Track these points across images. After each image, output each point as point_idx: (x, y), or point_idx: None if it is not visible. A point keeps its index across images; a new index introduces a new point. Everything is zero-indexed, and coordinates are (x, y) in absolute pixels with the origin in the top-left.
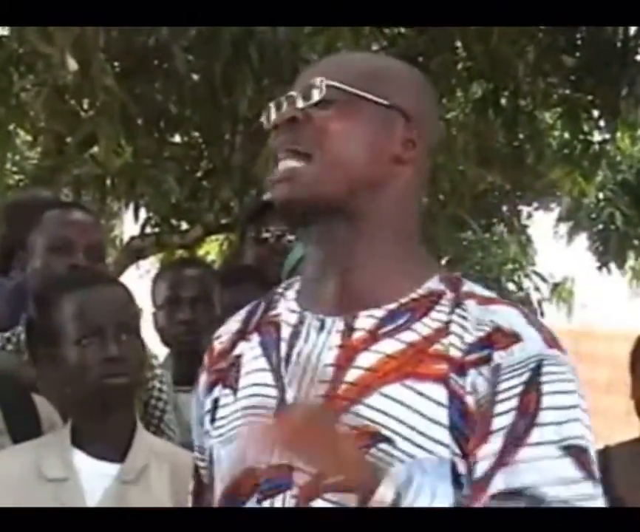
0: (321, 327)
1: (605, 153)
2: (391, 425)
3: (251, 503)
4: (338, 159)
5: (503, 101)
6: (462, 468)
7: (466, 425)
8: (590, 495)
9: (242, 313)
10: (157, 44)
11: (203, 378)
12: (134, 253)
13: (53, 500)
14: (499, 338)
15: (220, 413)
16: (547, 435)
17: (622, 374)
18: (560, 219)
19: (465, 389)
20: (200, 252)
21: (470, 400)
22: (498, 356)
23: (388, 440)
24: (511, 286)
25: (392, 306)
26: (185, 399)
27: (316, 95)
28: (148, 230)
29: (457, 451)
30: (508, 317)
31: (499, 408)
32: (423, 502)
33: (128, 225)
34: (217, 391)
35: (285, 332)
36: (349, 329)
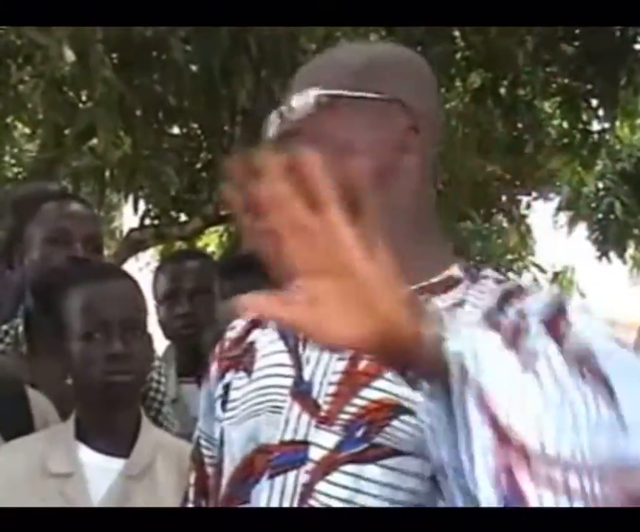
0: None
1: (604, 142)
2: (412, 397)
3: (263, 480)
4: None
5: (502, 91)
6: None
7: None
8: None
9: None
10: (155, 35)
11: (214, 367)
12: (134, 245)
13: (58, 495)
14: (511, 295)
15: (233, 395)
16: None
17: None
18: (560, 209)
19: None
20: (200, 244)
21: None
22: (516, 304)
23: (409, 412)
24: (511, 275)
25: (413, 287)
26: (189, 390)
27: (314, 105)
28: (147, 222)
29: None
30: (518, 283)
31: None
32: None
33: (128, 217)
34: (229, 376)
35: None
36: None
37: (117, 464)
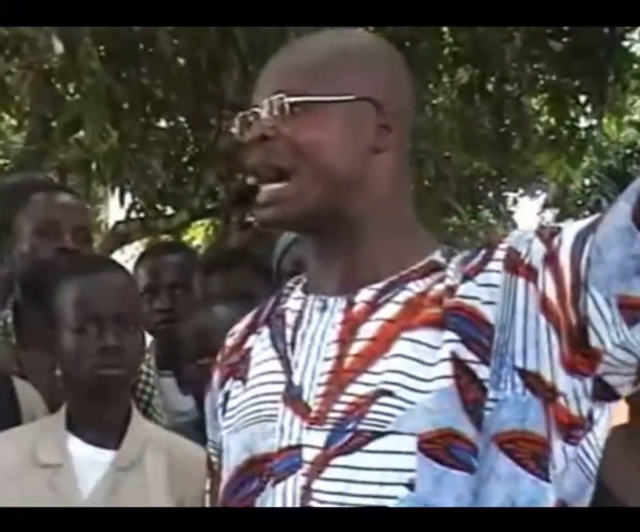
0: (324, 308)
1: (592, 139)
2: (390, 379)
3: (267, 488)
4: (316, 171)
5: (489, 87)
6: (486, 373)
7: (479, 331)
8: None
9: (254, 310)
10: (143, 29)
11: (216, 375)
12: (120, 238)
13: (47, 486)
14: (493, 242)
15: (230, 404)
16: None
17: None
18: (546, 205)
19: (469, 295)
20: (186, 237)
21: (477, 303)
22: (501, 246)
23: (387, 393)
24: None
25: (393, 277)
26: (167, 383)
27: (281, 112)
28: (133, 215)
29: (474, 358)
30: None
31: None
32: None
33: (114, 210)
34: (228, 384)
35: (290, 318)
36: (351, 304)
37: (106, 456)
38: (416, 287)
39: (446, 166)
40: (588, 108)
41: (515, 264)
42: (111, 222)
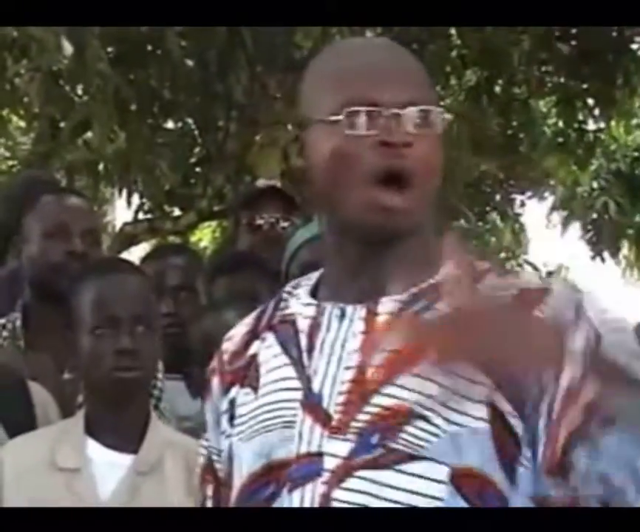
0: (342, 316)
1: (600, 142)
2: (425, 403)
3: (282, 494)
4: (429, 188)
5: (497, 89)
6: (519, 429)
7: (512, 382)
8: None
9: (252, 315)
10: (151, 30)
11: (216, 381)
12: (127, 239)
13: (66, 490)
14: (530, 295)
15: (239, 411)
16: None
17: None
18: (554, 208)
19: None
20: (193, 238)
21: None
22: (538, 310)
23: (423, 418)
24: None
25: (414, 290)
26: (173, 386)
27: (423, 121)
28: (140, 216)
29: (508, 409)
30: (527, 279)
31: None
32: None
33: (121, 211)
34: (234, 391)
35: (302, 324)
36: (373, 314)
37: (126, 460)
38: (444, 307)
39: (453, 169)
40: (596, 111)
41: None
42: (118, 223)
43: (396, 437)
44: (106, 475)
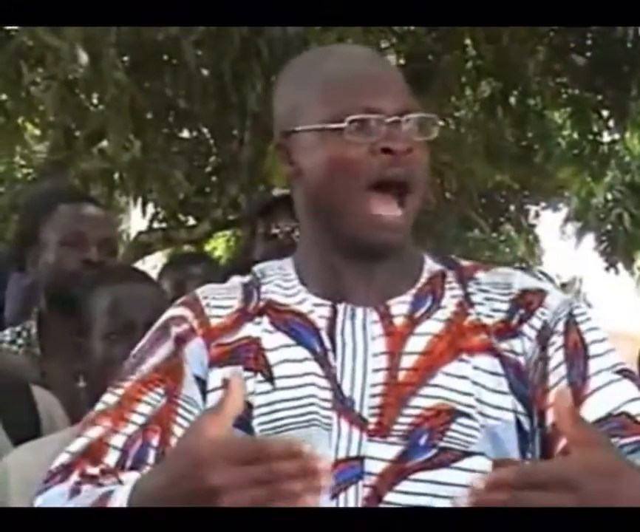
0: (353, 316)
1: (614, 153)
2: (463, 401)
3: (325, 498)
4: (423, 193)
5: (512, 100)
6: (527, 425)
7: (524, 385)
8: None
9: (234, 291)
10: (166, 39)
11: (197, 342)
12: (142, 248)
13: None
14: (530, 297)
15: (256, 401)
16: (602, 364)
17: None
18: (568, 219)
19: (515, 351)
20: (207, 248)
21: (522, 361)
22: (540, 313)
23: (465, 415)
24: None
25: (413, 291)
26: None
27: (421, 129)
28: (155, 225)
29: (521, 409)
30: (521, 278)
31: (553, 360)
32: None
33: (136, 220)
34: (230, 371)
35: (321, 323)
36: (388, 316)
37: None
38: (449, 305)
39: (467, 179)
40: (611, 123)
41: (545, 342)
42: (133, 232)
43: (444, 436)
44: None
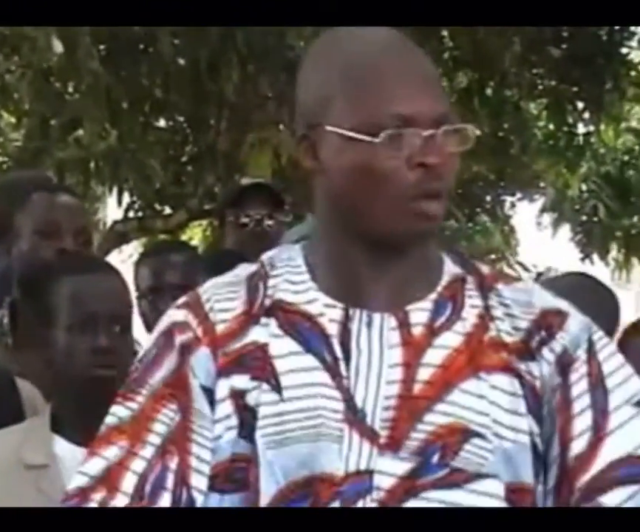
0: (369, 323)
1: (589, 145)
2: (479, 420)
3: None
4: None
5: (489, 91)
6: (540, 447)
7: (539, 408)
8: None
9: (238, 288)
10: (143, 29)
11: (203, 350)
12: (117, 237)
13: (33, 487)
14: (551, 319)
15: (262, 411)
16: (621, 396)
17: None
18: (544, 210)
19: (533, 374)
20: (183, 237)
21: (538, 384)
22: (560, 337)
23: (479, 435)
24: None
25: (433, 296)
26: None
27: (452, 138)
28: (131, 214)
29: (537, 431)
30: (540, 294)
31: (576, 387)
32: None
33: (112, 209)
34: (240, 382)
35: (332, 328)
36: (407, 324)
37: None
38: (469, 317)
39: None
40: (586, 115)
41: (565, 368)
42: (109, 221)
43: (456, 456)
44: (74, 472)
